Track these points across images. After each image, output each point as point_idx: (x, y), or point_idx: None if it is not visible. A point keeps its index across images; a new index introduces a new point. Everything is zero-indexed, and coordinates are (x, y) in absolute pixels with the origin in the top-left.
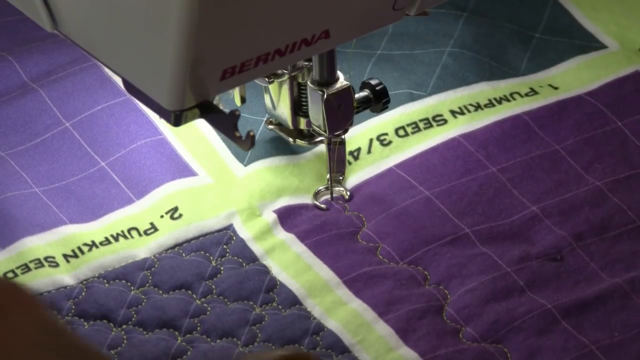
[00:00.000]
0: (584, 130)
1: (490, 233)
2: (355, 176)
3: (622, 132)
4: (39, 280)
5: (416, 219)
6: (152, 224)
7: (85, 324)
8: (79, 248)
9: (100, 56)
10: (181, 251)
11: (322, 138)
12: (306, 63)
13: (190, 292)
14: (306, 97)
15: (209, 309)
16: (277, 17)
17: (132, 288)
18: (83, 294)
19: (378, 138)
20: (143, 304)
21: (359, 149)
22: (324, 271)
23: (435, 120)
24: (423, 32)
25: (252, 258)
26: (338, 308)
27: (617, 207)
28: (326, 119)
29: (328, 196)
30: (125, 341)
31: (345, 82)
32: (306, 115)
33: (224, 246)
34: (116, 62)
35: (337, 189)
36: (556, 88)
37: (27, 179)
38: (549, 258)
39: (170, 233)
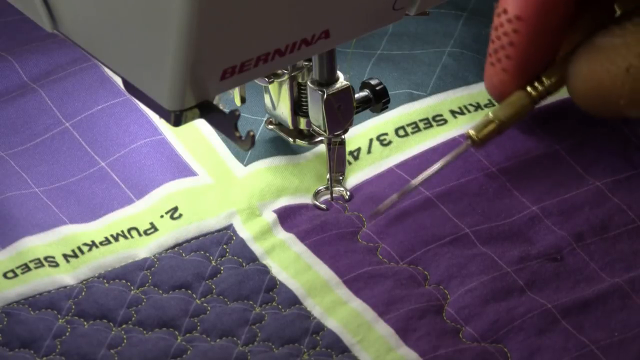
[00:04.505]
0: (584, 130)
1: (490, 233)
2: (355, 176)
3: (622, 132)
4: (39, 280)
5: (416, 220)
6: (152, 224)
7: (85, 323)
8: (79, 248)
9: (100, 56)
10: (181, 251)
11: (322, 138)
12: (306, 63)
13: (190, 291)
14: (306, 97)
15: (208, 308)
16: (277, 17)
17: (132, 288)
18: (83, 293)
19: (378, 138)
20: (143, 303)
21: (359, 149)
22: (323, 271)
23: (435, 120)
24: (423, 32)
25: (252, 258)
26: (338, 307)
27: (617, 207)
28: (326, 119)
29: (328, 196)
30: (125, 341)
31: (345, 82)
32: (306, 115)
33: (224, 246)
34: (116, 62)
35: (337, 189)
36: None
37: (27, 179)
38: (548, 258)
39: (170, 233)
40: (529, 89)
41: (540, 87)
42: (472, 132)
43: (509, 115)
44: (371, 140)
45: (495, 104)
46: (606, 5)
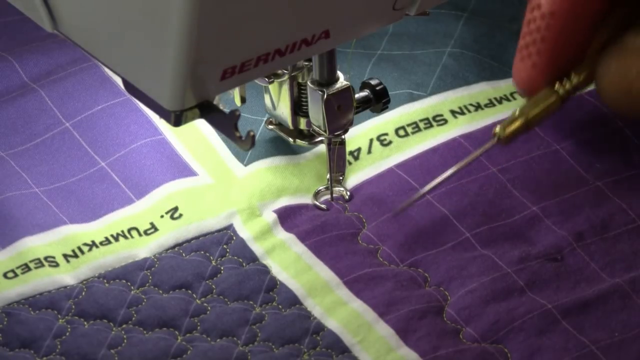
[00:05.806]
0: (584, 130)
1: (490, 234)
2: (356, 176)
3: (622, 132)
4: (39, 280)
5: (416, 222)
6: (152, 223)
7: (85, 323)
8: (79, 248)
9: (100, 56)
10: (181, 251)
11: (322, 138)
12: (306, 63)
13: (190, 291)
14: (306, 97)
15: (209, 308)
16: (277, 17)
17: (132, 288)
18: (83, 293)
19: (378, 138)
20: (143, 303)
21: (359, 149)
22: (324, 272)
23: (435, 120)
24: (423, 32)
25: (252, 258)
26: (338, 308)
27: (617, 207)
28: (326, 119)
29: (328, 196)
30: (125, 341)
31: (345, 82)
32: (306, 115)
33: (224, 246)
34: (116, 62)
35: (337, 189)
36: None
37: (27, 179)
38: (549, 258)
39: (170, 233)
40: (557, 86)
41: (568, 85)
42: (498, 130)
43: (537, 112)
44: (371, 140)
45: (496, 104)
46: (637, 1)
